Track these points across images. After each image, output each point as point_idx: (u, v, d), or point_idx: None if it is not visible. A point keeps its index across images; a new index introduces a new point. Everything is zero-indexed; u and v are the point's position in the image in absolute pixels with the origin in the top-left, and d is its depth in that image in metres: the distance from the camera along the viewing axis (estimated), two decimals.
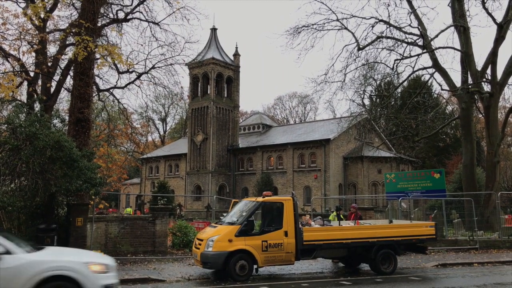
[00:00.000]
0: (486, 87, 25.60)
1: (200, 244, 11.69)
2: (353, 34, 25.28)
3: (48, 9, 17.78)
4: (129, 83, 23.61)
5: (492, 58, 24.70)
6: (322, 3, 26.31)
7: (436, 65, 25.57)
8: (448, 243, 18.19)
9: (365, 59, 25.58)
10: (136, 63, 22.66)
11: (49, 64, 19.28)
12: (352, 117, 28.81)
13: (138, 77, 22.98)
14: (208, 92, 50.36)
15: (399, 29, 24.66)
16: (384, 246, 12.54)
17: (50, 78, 19.83)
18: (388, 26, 24.57)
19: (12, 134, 11.88)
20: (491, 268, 14.03)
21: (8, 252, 6.80)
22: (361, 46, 24.95)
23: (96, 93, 23.29)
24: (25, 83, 20.39)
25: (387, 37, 24.82)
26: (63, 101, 38.58)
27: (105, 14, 20.45)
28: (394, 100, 37.42)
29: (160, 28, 21.60)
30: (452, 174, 36.92)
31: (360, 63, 25.58)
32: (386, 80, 29.42)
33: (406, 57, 24.48)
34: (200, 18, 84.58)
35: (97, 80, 22.98)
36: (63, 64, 20.91)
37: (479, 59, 35.28)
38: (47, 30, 19.60)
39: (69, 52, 19.98)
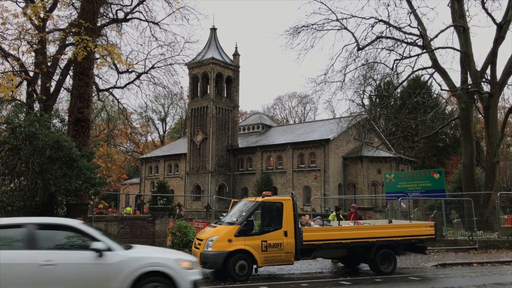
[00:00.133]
0: (486, 87, 25.61)
1: (199, 244, 11.69)
2: (352, 34, 25.34)
3: (47, 9, 17.79)
4: (128, 83, 23.66)
5: (491, 58, 24.70)
6: (322, 3, 26.34)
7: (436, 65, 25.57)
8: (447, 243, 18.19)
9: (364, 59, 25.64)
10: (136, 63, 22.74)
11: (49, 64, 19.29)
12: (351, 117, 28.83)
13: (138, 77, 23.01)
14: (208, 92, 50.33)
15: (399, 29, 24.67)
16: (384, 246, 12.54)
17: (50, 78, 19.83)
18: (387, 26, 24.60)
19: (11, 134, 11.88)
20: (490, 268, 14.03)
21: (109, 249, 7.22)
22: (360, 46, 24.97)
23: (96, 93, 23.32)
24: (25, 83, 20.40)
25: (387, 37, 24.84)
26: (63, 101, 38.59)
27: (104, 14, 20.48)
28: (393, 100, 37.37)
29: (160, 28, 21.65)
30: (451, 174, 36.95)
31: (360, 63, 25.65)
32: (385, 80, 29.45)
33: (406, 57, 24.52)
34: (200, 18, 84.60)
35: (97, 80, 23.04)
36: (62, 64, 20.95)
37: (479, 59, 35.37)
38: (47, 29, 19.62)
39: (69, 52, 20.01)
